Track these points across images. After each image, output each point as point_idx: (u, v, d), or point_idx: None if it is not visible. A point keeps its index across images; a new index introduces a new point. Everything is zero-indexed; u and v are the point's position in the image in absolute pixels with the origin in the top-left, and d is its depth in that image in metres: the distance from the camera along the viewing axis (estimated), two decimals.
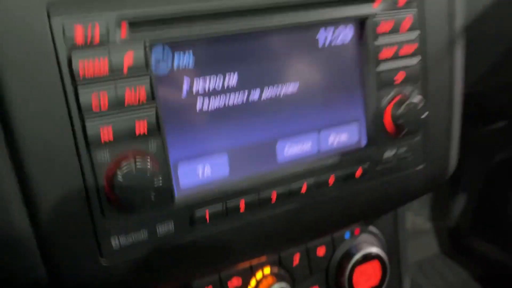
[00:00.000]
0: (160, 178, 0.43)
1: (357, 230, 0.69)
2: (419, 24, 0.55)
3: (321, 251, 0.66)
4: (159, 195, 0.43)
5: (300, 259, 0.64)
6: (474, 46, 0.83)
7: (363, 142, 0.57)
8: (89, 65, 0.40)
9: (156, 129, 0.43)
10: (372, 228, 0.70)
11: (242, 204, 0.49)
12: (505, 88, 0.98)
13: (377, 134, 0.56)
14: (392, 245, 0.73)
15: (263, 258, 0.62)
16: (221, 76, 0.48)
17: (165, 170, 0.45)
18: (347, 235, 0.68)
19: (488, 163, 1.54)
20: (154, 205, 0.44)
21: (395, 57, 0.54)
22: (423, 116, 0.55)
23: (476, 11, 0.76)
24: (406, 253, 0.75)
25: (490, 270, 1.58)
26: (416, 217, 1.77)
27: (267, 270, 0.62)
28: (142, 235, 0.45)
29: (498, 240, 1.61)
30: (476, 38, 0.81)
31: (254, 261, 0.61)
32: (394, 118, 0.54)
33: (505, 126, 1.22)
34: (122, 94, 0.41)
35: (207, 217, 0.48)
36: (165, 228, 0.46)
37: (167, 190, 0.45)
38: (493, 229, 1.63)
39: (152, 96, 0.43)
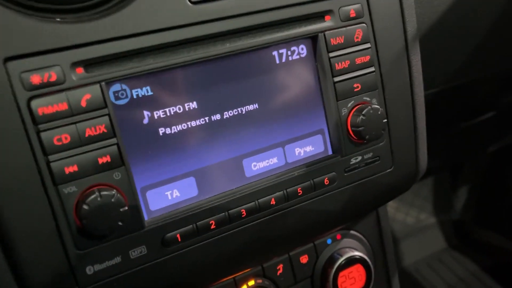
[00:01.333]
0: (127, 205, 0.45)
1: (338, 235, 0.70)
2: (370, 35, 0.57)
3: (304, 259, 0.67)
4: (127, 221, 0.46)
5: (284, 268, 0.66)
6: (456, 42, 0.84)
7: (329, 151, 0.59)
8: (48, 106, 0.42)
9: (119, 160, 0.46)
10: (354, 232, 0.72)
11: (212, 222, 0.52)
12: (485, 80, 0.99)
13: (342, 142, 0.58)
14: (377, 248, 0.74)
15: (247, 270, 0.64)
16: (181, 104, 0.50)
17: (132, 198, 0.47)
18: (329, 240, 0.69)
19: (485, 153, 1.54)
20: (124, 232, 0.47)
21: (351, 68, 0.56)
22: (383, 121, 0.57)
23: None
24: (393, 255, 0.76)
25: (497, 260, 1.57)
26: (419, 213, 1.76)
27: (251, 282, 0.64)
28: (116, 260, 0.47)
29: (503, 229, 1.60)
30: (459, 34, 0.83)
31: (238, 274, 0.63)
32: (355, 126, 0.56)
33: (494, 116, 1.22)
34: (83, 130, 0.44)
35: (179, 237, 0.50)
36: (137, 252, 0.48)
37: (135, 217, 0.47)
38: (497, 218, 1.62)
39: (112, 129, 0.45)
